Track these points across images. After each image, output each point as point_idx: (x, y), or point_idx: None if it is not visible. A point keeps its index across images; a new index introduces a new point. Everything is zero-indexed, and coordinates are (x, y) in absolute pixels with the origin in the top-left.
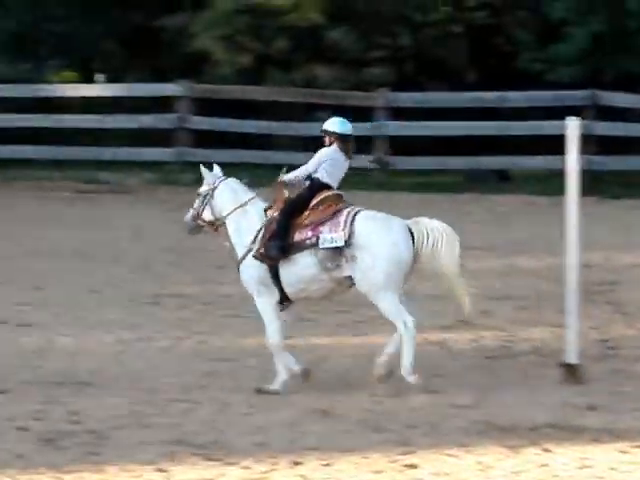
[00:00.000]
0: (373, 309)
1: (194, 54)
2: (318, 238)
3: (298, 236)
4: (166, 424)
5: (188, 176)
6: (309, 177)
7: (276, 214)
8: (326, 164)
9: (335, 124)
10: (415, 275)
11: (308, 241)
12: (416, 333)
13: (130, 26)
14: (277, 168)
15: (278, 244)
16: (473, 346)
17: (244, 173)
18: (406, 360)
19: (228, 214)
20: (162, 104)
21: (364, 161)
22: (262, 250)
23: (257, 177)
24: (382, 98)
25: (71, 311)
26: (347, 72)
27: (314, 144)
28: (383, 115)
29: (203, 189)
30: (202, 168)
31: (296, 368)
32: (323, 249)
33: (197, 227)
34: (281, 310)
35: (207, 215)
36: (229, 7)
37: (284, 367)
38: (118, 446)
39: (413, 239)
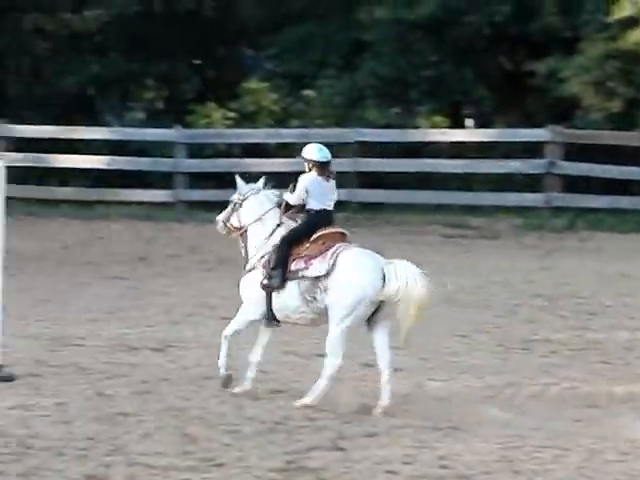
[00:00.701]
0: None
1: (563, 99)
2: (307, 269)
3: (294, 266)
4: (536, 470)
5: (557, 222)
6: (303, 207)
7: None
8: (311, 191)
9: (312, 151)
10: None
11: (300, 272)
12: (334, 375)
13: (500, 71)
14: None
15: (279, 274)
16: None
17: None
18: (312, 396)
19: (249, 224)
20: (531, 149)
21: None
22: (265, 281)
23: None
24: None
25: (440, 356)
26: None
27: None
28: None
29: (234, 197)
30: (237, 178)
31: (222, 371)
32: (306, 279)
33: (226, 229)
34: (266, 326)
35: (234, 222)
36: (600, 52)
37: (224, 359)
38: None
39: (384, 279)
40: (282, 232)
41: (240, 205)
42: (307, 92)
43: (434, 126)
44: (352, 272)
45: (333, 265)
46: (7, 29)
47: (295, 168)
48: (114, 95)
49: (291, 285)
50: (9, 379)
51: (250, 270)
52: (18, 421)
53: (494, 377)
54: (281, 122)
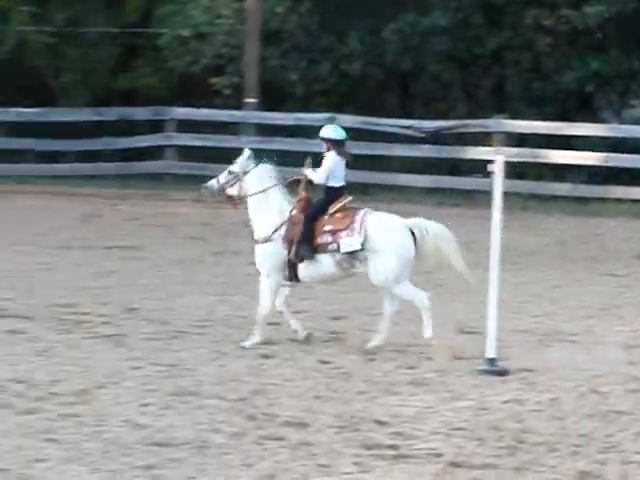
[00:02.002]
0: None
1: None
2: (339, 244)
3: (320, 239)
4: None
5: None
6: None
7: (295, 213)
8: (334, 171)
9: (330, 131)
10: None
11: (330, 246)
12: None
13: None
14: None
15: (308, 248)
16: None
17: None
18: (427, 328)
19: (252, 194)
20: None
21: None
22: (294, 254)
23: None
24: None
25: None
26: None
27: None
28: None
29: (235, 168)
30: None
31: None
32: (343, 253)
33: (218, 195)
34: (290, 287)
35: (233, 191)
36: None
37: (261, 333)
38: None
39: (415, 238)
40: (288, 206)
41: (242, 177)
42: None
43: None
44: (386, 239)
45: (366, 237)
46: (508, 24)
47: None
48: (613, 92)
49: (323, 257)
50: (503, 373)
51: (266, 240)
52: (512, 415)
53: None
54: None
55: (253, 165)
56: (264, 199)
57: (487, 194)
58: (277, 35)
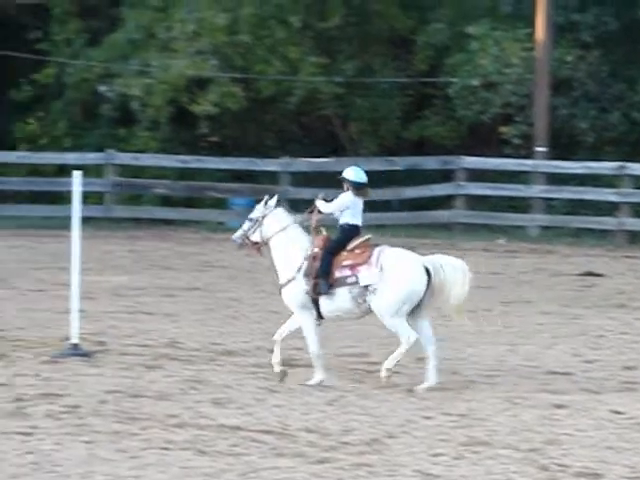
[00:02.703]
0: None
1: None
2: (357, 277)
3: (338, 274)
4: None
5: None
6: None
7: (316, 250)
8: (349, 209)
9: (351, 173)
10: None
11: (349, 279)
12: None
13: None
14: None
15: (325, 283)
16: None
17: None
18: (389, 361)
19: (272, 236)
20: None
21: None
22: (312, 289)
23: None
24: None
25: None
26: None
27: None
28: None
29: (254, 215)
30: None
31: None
32: (360, 286)
33: (244, 245)
34: (318, 325)
35: (255, 237)
36: None
37: (322, 369)
38: None
39: (429, 274)
40: (308, 244)
41: (261, 222)
42: None
43: None
44: (399, 274)
45: (381, 270)
46: None
47: None
48: None
49: (341, 291)
50: None
51: (290, 281)
52: None
53: None
54: None
55: (270, 209)
56: (285, 239)
57: None
58: (567, 83)
